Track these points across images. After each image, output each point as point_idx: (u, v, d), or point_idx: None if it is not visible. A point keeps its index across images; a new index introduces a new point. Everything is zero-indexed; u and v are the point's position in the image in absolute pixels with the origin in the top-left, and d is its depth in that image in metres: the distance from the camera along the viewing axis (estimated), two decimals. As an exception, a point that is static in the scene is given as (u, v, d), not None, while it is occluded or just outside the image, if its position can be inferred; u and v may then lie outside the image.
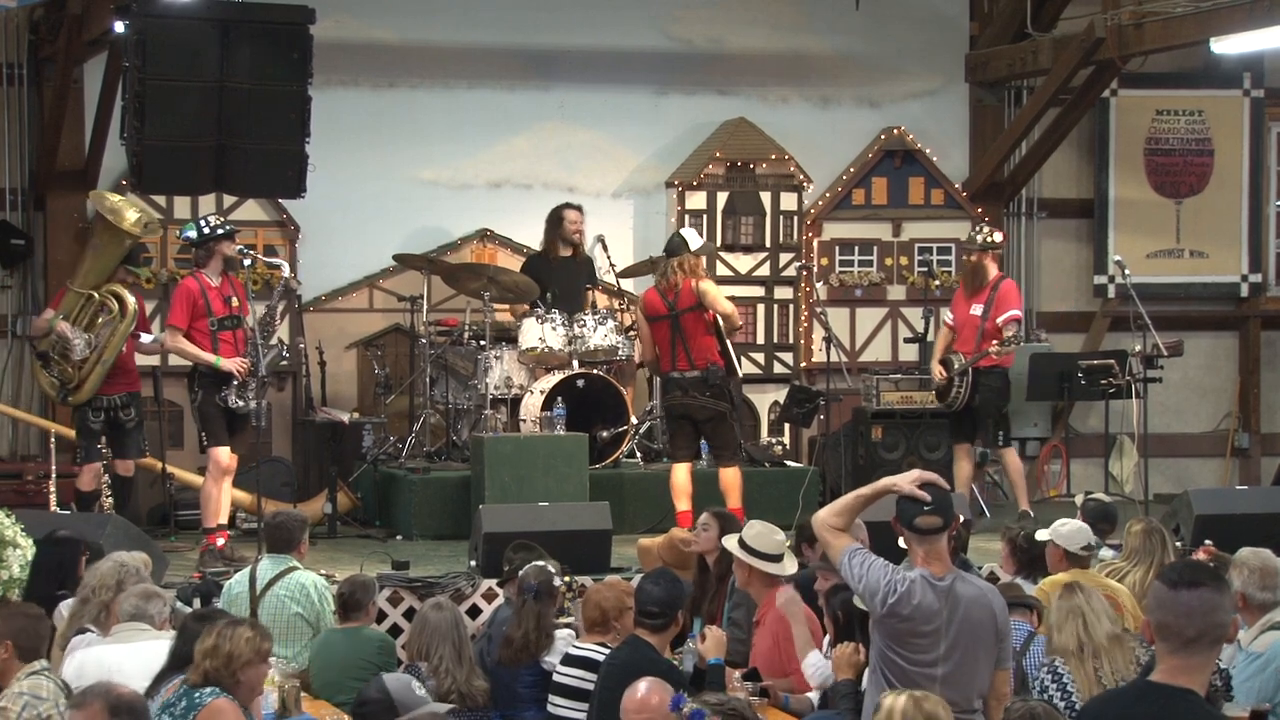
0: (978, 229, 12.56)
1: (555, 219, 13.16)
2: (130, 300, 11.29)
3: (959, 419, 12.48)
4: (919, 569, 6.03)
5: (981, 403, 12.24)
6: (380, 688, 7.20)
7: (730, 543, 8.22)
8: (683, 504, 11.48)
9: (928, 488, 6.04)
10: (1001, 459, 12.66)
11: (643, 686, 6.00)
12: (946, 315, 12.55)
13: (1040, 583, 8.31)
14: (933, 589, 5.99)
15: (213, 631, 6.37)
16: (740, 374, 12.09)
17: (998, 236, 12.52)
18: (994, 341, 12.04)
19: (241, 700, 6.27)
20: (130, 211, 11.31)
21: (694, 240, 11.79)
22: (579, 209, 13.25)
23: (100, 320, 11.19)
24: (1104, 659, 6.76)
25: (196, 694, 6.21)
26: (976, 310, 12.14)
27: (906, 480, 6.09)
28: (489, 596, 10.08)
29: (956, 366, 12.10)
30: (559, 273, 12.96)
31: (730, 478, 11.52)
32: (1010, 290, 12.30)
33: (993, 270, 12.32)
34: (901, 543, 6.24)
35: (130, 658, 7.01)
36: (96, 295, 11.25)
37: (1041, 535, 8.58)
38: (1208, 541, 9.80)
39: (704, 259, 11.89)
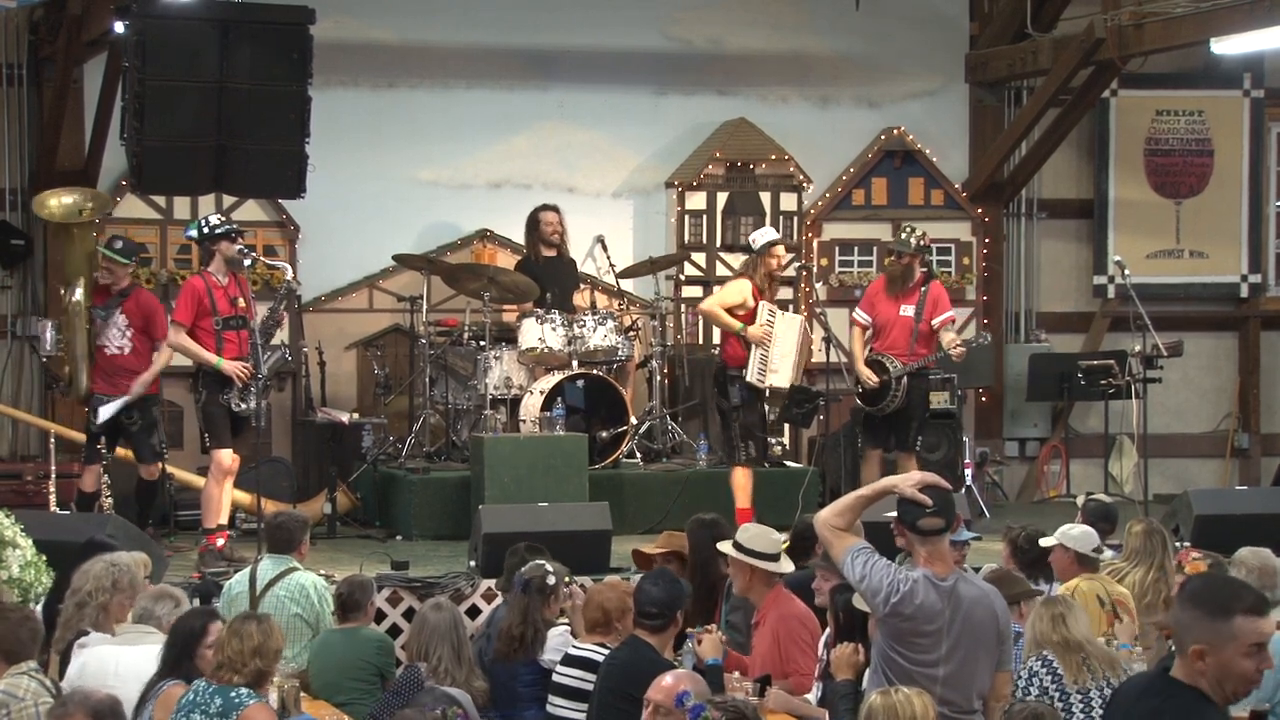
0: (907, 230, 12.17)
1: (532, 222, 13.15)
2: (76, 293, 11.37)
3: (879, 423, 11.92)
4: (921, 569, 6.04)
5: (910, 405, 11.85)
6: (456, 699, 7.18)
7: (725, 547, 8.21)
8: (739, 501, 11.49)
9: (929, 490, 6.06)
10: (901, 464, 11.84)
11: (670, 677, 6.04)
12: (860, 316, 12.03)
13: (1059, 589, 8.24)
14: (935, 589, 6.00)
15: (250, 630, 6.35)
16: (762, 383, 11.57)
17: (926, 241, 12.24)
18: (956, 342, 11.78)
19: (264, 692, 6.35)
20: (71, 206, 11.35)
21: (760, 239, 11.77)
22: (555, 210, 13.19)
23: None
24: (1086, 651, 6.79)
25: (233, 693, 6.21)
26: (908, 311, 11.83)
27: (908, 482, 6.10)
28: (488, 597, 10.07)
29: (895, 369, 11.72)
30: (546, 273, 12.94)
31: (735, 479, 11.54)
32: (943, 291, 12.13)
33: (917, 271, 12.06)
34: (899, 542, 6.25)
35: (130, 659, 7.00)
36: (63, 291, 11.38)
37: (1047, 541, 8.53)
38: (1186, 544, 9.80)
39: (761, 260, 11.68)
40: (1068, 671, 6.74)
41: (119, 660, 7.00)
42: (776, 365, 11.53)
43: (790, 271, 14.17)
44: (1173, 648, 4.68)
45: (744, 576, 8.08)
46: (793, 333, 11.61)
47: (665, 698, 5.95)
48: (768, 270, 11.60)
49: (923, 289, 11.90)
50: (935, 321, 11.83)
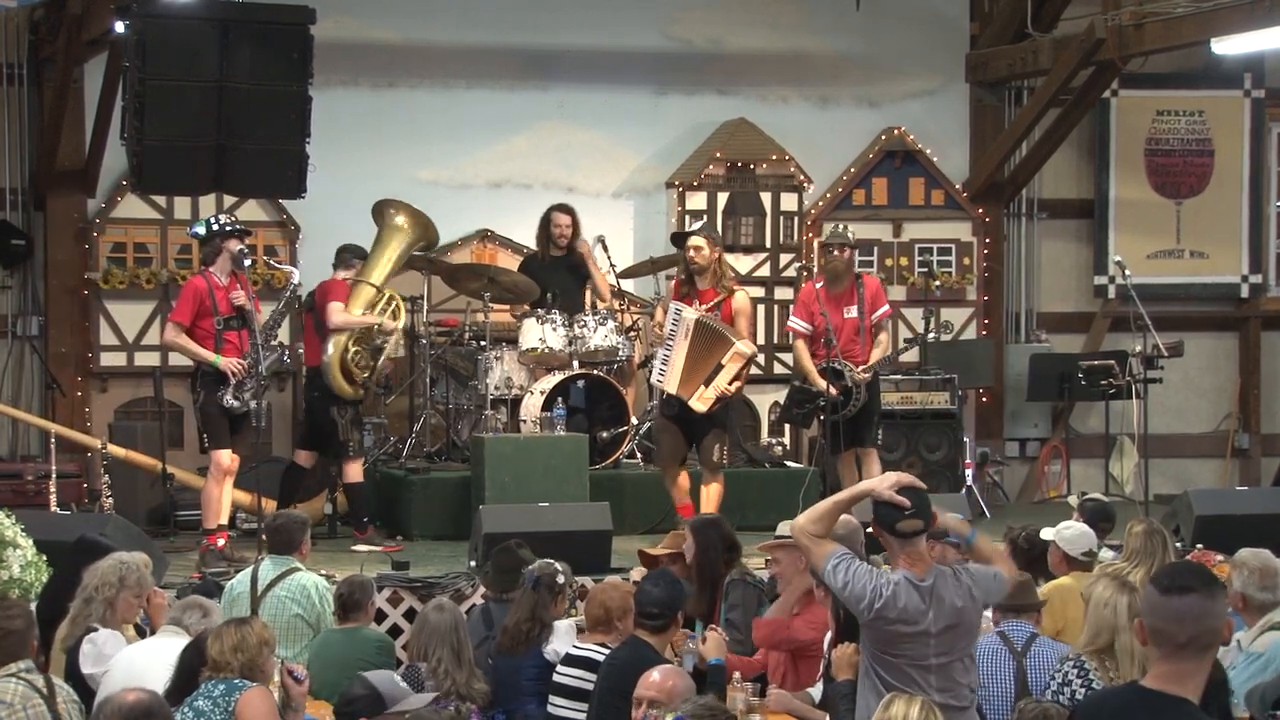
0: (839, 225, 12.00)
1: (544, 221, 13.12)
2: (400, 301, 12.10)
3: (843, 427, 11.51)
4: (901, 571, 6.02)
5: (869, 402, 11.63)
6: (365, 684, 7.22)
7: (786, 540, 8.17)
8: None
9: (906, 491, 6.01)
10: (865, 460, 11.68)
11: (657, 673, 6.05)
12: (800, 325, 11.60)
13: (1044, 586, 8.28)
14: (916, 590, 5.98)
15: (228, 630, 6.42)
16: (659, 383, 11.44)
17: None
18: (870, 363, 11.54)
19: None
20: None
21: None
22: (568, 211, 13.10)
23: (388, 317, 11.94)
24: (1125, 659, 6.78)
25: (236, 680, 6.32)
26: (851, 313, 11.58)
27: (884, 484, 6.06)
28: (489, 597, 10.06)
29: (853, 373, 11.40)
30: (552, 273, 12.93)
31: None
32: (879, 285, 11.96)
33: (852, 267, 11.88)
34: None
35: (159, 654, 6.99)
36: (390, 295, 12.00)
37: (1046, 534, 8.58)
38: (1200, 546, 9.80)
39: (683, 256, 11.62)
40: (1101, 670, 6.73)
41: (152, 658, 6.98)
42: (668, 367, 11.26)
43: (791, 271, 14.25)
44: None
45: (793, 573, 7.99)
46: (683, 335, 11.17)
47: (654, 694, 5.96)
48: (687, 263, 11.43)
49: (858, 287, 11.70)
50: (874, 317, 11.66)
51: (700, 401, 11.18)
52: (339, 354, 11.65)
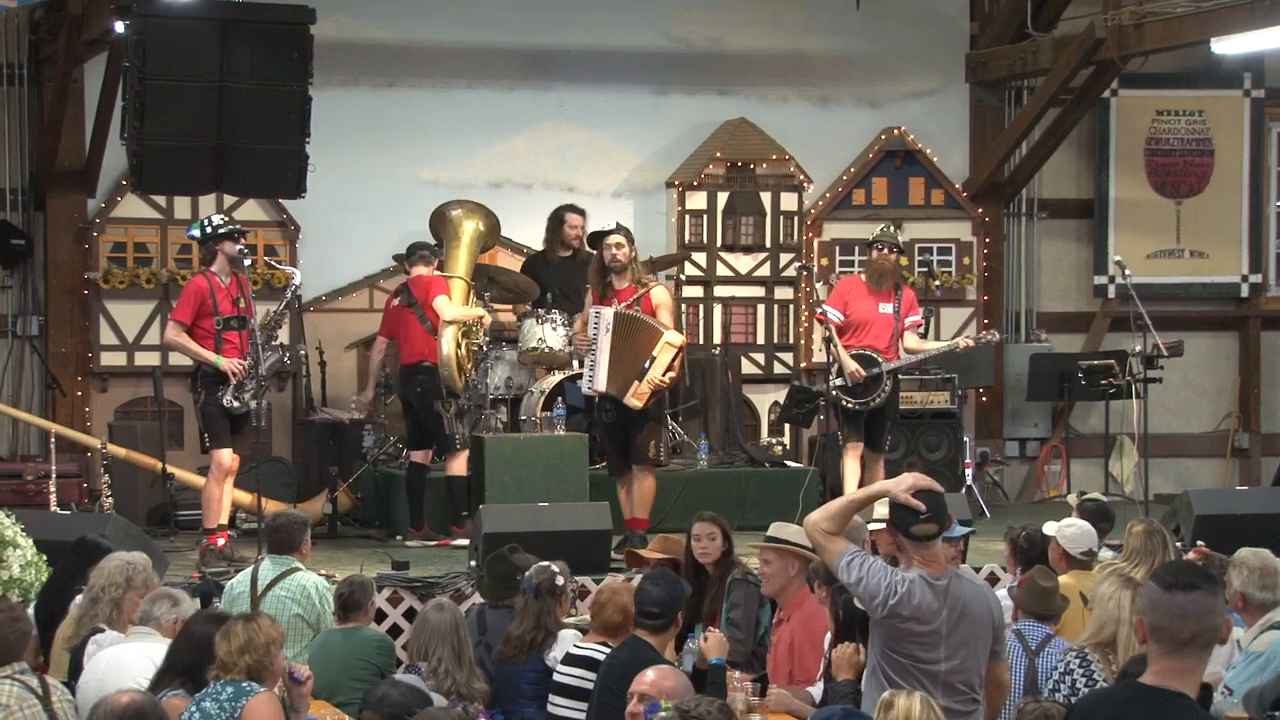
0: (888, 226, 12.15)
1: (556, 221, 13.11)
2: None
3: (862, 420, 11.63)
4: (916, 570, 6.03)
5: (889, 403, 11.71)
6: (404, 691, 7.14)
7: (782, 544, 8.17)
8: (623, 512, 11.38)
9: (922, 495, 6.00)
10: (871, 465, 11.68)
11: (652, 672, 6.06)
12: (832, 313, 11.68)
13: None
14: (931, 589, 5.99)
15: (236, 629, 6.37)
16: (589, 390, 11.23)
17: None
18: (965, 338, 11.96)
19: (269, 686, 6.35)
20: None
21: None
22: (581, 213, 13.14)
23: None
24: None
25: (244, 684, 6.28)
26: (887, 309, 11.67)
27: (901, 486, 6.06)
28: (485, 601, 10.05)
29: (884, 364, 11.54)
30: (558, 273, 12.94)
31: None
32: (915, 296, 12.07)
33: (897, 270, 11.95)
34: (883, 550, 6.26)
35: (137, 657, 6.99)
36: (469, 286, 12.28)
37: (1048, 529, 8.58)
38: (1200, 543, 9.81)
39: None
40: (1103, 663, 6.74)
41: (133, 660, 6.98)
42: (595, 370, 11.05)
43: (791, 271, 14.24)
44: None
45: (782, 577, 8.00)
46: (604, 331, 10.97)
47: (648, 690, 5.97)
48: (605, 262, 11.16)
49: (897, 291, 11.77)
50: (908, 322, 11.75)
51: (635, 397, 10.94)
52: (454, 348, 11.71)
